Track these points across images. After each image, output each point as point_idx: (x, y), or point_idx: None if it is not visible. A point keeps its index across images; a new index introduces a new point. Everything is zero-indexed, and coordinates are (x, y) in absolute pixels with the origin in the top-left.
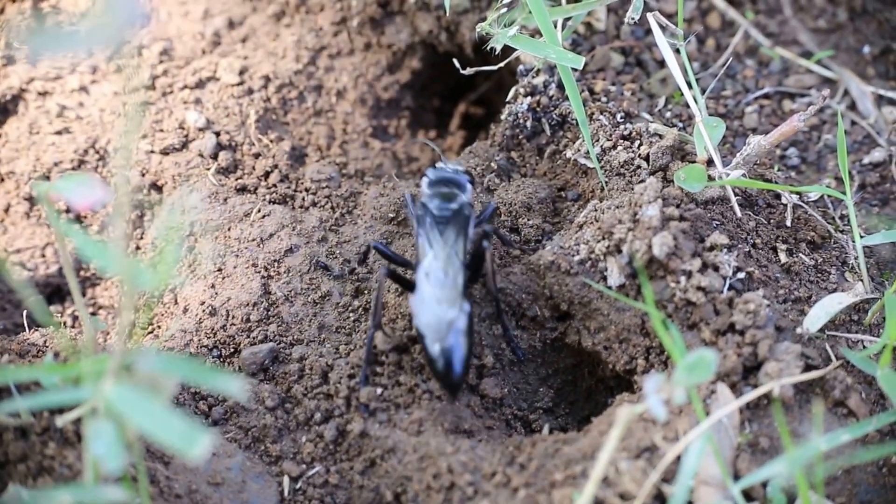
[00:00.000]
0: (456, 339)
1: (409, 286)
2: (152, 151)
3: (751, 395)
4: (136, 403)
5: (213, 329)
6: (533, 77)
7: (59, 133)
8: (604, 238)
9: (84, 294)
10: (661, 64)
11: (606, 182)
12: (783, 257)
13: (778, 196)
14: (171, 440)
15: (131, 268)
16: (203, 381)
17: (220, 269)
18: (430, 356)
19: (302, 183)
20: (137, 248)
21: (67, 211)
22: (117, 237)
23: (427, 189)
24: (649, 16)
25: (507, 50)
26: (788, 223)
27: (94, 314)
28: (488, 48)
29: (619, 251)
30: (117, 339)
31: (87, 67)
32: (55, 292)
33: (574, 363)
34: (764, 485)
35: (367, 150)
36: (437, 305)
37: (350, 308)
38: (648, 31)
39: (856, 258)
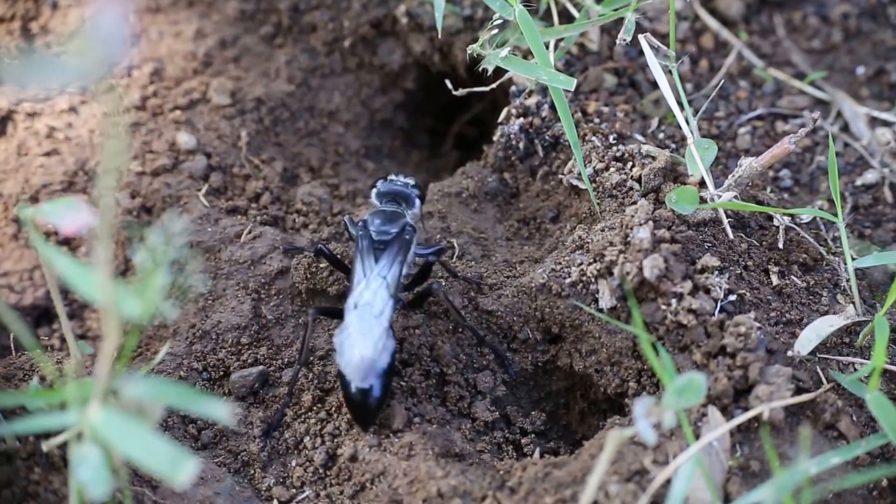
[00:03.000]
0: (376, 380)
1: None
2: (143, 173)
3: (741, 419)
4: (121, 429)
5: (202, 352)
6: (525, 98)
7: (47, 154)
8: (595, 260)
9: (74, 317)
10: (655, 85)
11: (598, 203)
12: (775, 279)
13: (770, 218)
14: (157, 466)
15: (115, 295)
16: (190, 406)
17: (210, 292)
18: (348, 395)
19: (293, 204)
20: (126, 271)
21: (56, 233)
22: (101, 263)
23: (375, 200)
24: (641, 38)
25: (500, 70)
26: (780, 245)
27: (83, 337)
28: (481, 69)
29: (611, 273)
30: (102, 364)
31: (76, 88)
32: (43, 315)
33: (566, 386)
34: None
35: (359, 171)
36: (362, 341)
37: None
38: (642, 52)
39: (847, 280)
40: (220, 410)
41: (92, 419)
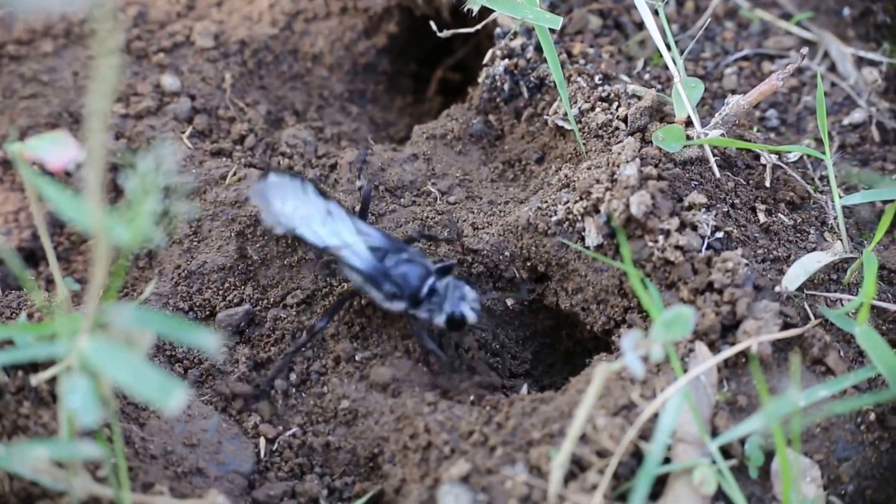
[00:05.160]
0: None
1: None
2: (127, 115)
3: (729, 352)
4: (111, 357)
5: (188, 292)
6: (510, 40)
7: (32, 97)
8: (581, 198)
9: (60, 259)
10: (640, 26)
11: (584, 144)
12: (762, 217)
13: (757, 157)
14: (147, 392)
15: (106, 221)
16: (178, 335)
17: (195, 233)
18: None
19: (278, 147)
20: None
21: (44, 174)
22: (91, 191)
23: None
24: None
25: (485, 12)
26: (767, 184)
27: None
28: (465, 10)
29: (597, 211)
30: (92, 291)
31: (61, 31)
32: (29, 257)
33: (552, 325)
34: (742, 442)
35: (343, 115)
36: None
37: (327, 271)
38: None
39: (835, 218)
40: (208, 340)
41: (82, 348)
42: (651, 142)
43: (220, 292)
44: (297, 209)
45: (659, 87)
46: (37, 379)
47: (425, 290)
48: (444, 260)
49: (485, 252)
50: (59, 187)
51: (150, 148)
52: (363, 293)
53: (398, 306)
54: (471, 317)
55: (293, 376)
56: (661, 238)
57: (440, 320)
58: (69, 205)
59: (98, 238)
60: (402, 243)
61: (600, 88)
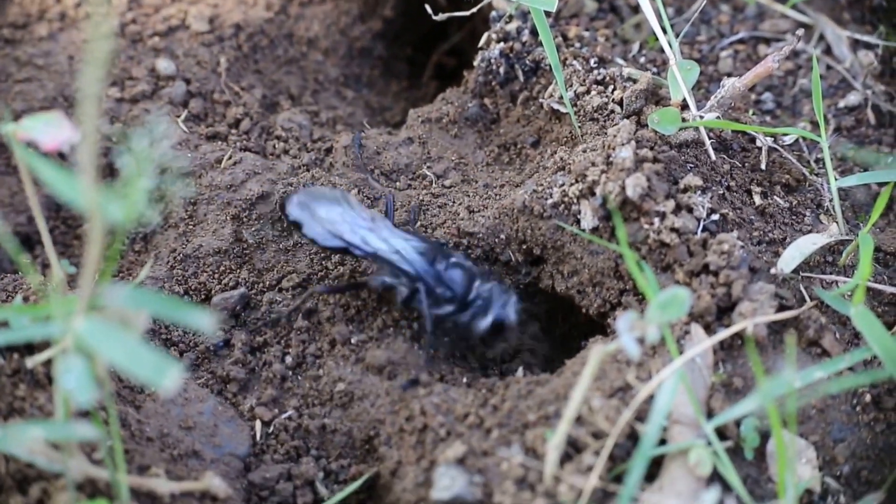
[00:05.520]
0: None
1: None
2: (122, 99)
3: (724, 334)
4: (106, 337)
5: (184, 275)
6: (506, 23)
7: (27, 81)
8: (577, 181)
9: (56, 243)
10: (635, 9)
11: (580, 127)
12: (758, 200)
13: (753, 140)
14: (142, 372)
15: (100, 197)
16: (172, 315)
17: (191, 216)
18: None
19: (273, 131)
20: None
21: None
22: (85, 168)
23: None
24: None
25: None
26: (763, 166)
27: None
28: None
29: (593, 193)
30: (87, 271)
31: (56, 14)
32: (25, 241)
33: (548, 309)
34: (738, 424)
35: (339, 100)
36: None
37: (322, 255)
38: None
39: (831, 200)
40: (203, 320)
41: (77, 328)
42: (647, 125)
43: (216, 276)
44: (342, 217)
45: (654, 70)
46: (33, 361)
47: (473, 293)
48: (482, 264)
49: (480, 235)
50: (53, 166)
51: (143, 126)
52: (399, 300)
53: (446, 310)
54: (513, 322)
55: (289, 359)
56: (656, 220)
57: (484, 324)
58: (63, 183)
59: (92, 216)
60: (444, 246)
61: (596, 72)
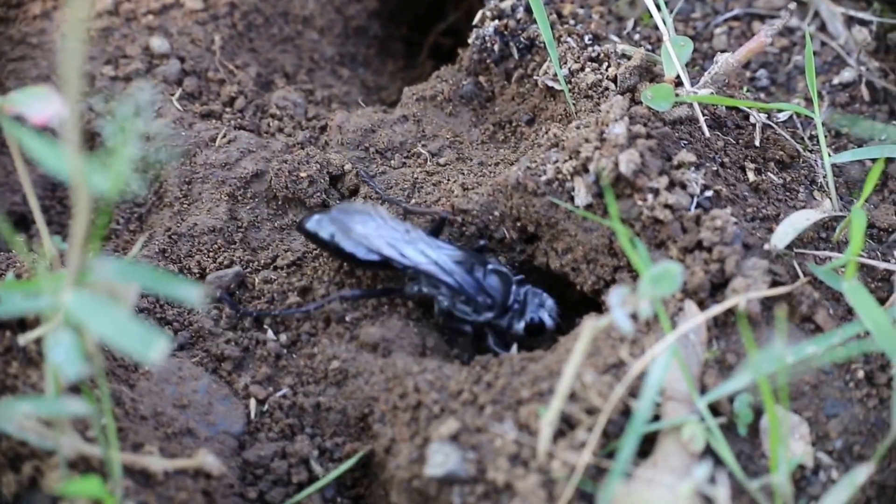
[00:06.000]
0: None
1: None
2: (116, 77)
3: (717, 309)
4: (95, 310)
5: (178, 254)
6: (500, 1)
7: (21, 59)
8: (570, 157)
9: (51, 223)
10: None
11: (574, 104)
12: (751, 176)
13: (747, 117)
14: (129, 345)
15: (85, 167)
16: (161, 287)
17: (185, 195)
18: None
19: (268, 109)
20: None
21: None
22: (70, 139)
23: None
24: None
25: None
26: (757, 143)
27: None
28: None
29: (586, 170)
30: (74, 246)
31: None
32: (19, 221)
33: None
34: (731, 400)
35: (334, 78)
36: None
37: None
38: None
39: (824, 177)
40: (191, 292)
41: (65, 301)
42: (640, 101)
43: (210, 254)
44: (378, 231)
45: (649, 47)
46: (24, 338)
47: (512, 298)
48: (507, 267)
49: (474, 212)
50: (39, 137)
51: (128, 95)
52: (437, 310)
53: (486, 317)
54: (549, 324)
55: (283, 337)
56: (650, 197)
57: (519, 327)
58: (48, 153)
59: (77, 186)
60: (477, 253)
61: (590, 49)
